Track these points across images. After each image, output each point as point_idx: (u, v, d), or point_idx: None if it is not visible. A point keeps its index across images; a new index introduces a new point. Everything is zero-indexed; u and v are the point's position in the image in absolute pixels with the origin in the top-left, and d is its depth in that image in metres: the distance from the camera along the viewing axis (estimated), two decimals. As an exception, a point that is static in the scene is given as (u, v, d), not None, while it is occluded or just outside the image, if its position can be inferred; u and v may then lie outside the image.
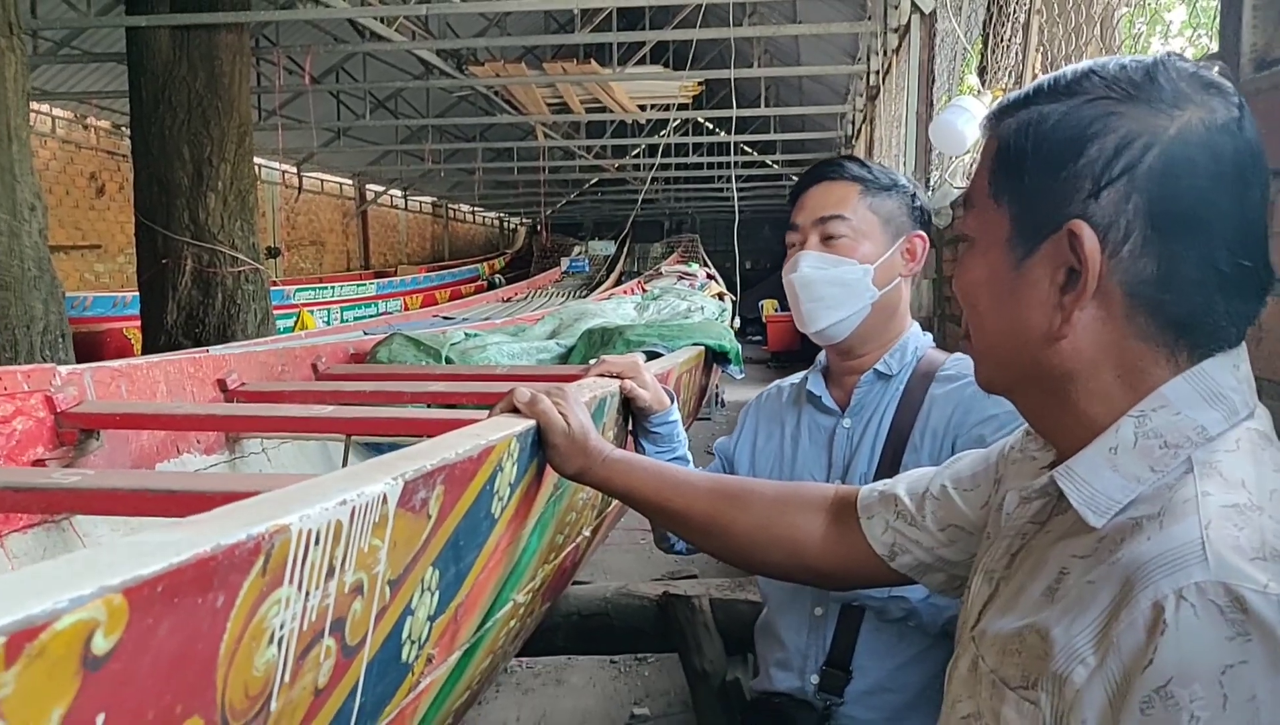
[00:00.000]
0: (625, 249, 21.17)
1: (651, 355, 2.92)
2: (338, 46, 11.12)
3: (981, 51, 4.15)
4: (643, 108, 12.67)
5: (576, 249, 22.50)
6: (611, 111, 12.38)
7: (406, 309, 13.09)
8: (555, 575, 1.67)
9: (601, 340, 3.31)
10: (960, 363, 1.54)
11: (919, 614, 1.43)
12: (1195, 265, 0.75)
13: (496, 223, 31.21)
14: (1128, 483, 0.76)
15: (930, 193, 4.51)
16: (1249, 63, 1.48)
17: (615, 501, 1.55)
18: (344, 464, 2.43)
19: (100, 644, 0.48)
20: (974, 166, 0.88)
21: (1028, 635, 0.75)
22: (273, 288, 7.49)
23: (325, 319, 11.46)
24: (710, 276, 11.58)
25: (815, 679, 1.50)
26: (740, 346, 3.52)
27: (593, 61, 10.41)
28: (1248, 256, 0.75)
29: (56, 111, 11.51)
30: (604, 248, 21.61)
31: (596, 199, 25.20)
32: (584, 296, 11.66)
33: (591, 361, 2.04)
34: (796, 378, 1.74)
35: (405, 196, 22.87)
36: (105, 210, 12.27)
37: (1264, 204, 0.77)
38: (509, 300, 13.33)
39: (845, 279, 1.53)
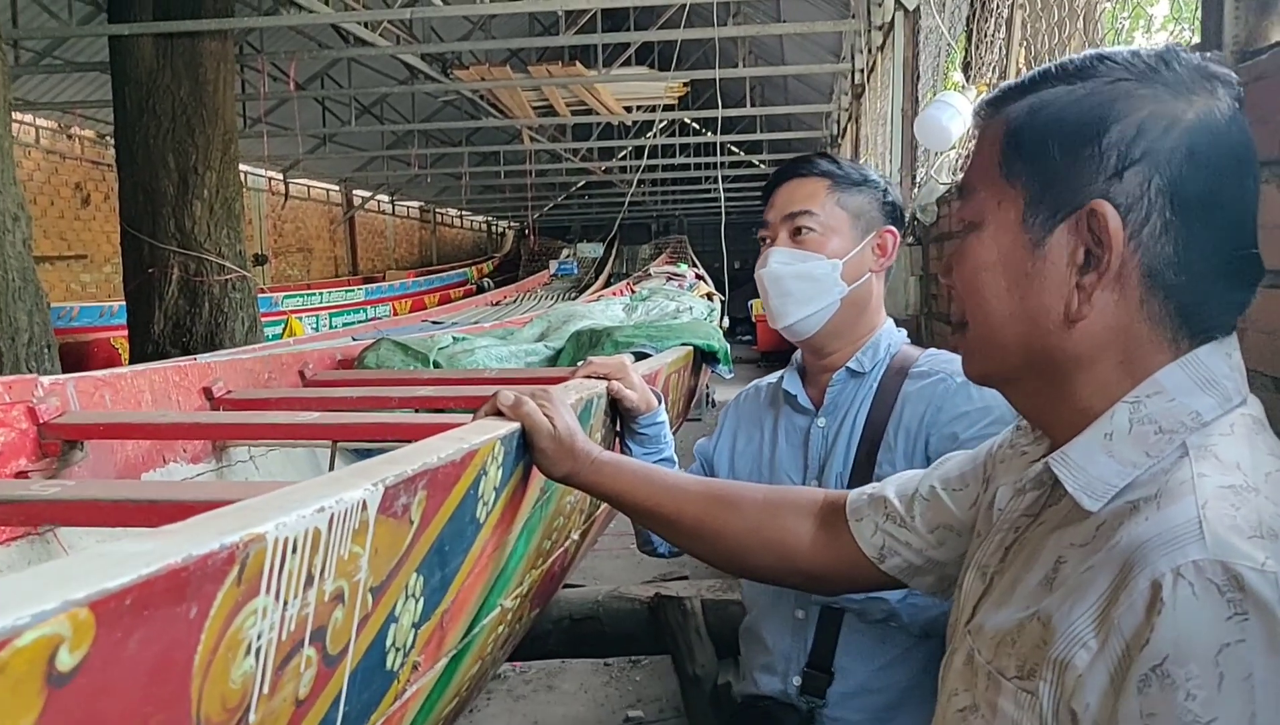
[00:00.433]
0: (614, 251, 21.16)
1: (640, 356, 2.91)
2: (322, 52, 11.07)
3: (965, 47, 4.15)
4: (628, 109, 12.66)
5: (565, 252, 22.47)
6: (597, 113, 12.37)
7: (395, 314, 13.04)
8: (544, 580, 1.66)
9: (590, 342, 3.29)
10: (933, 359, 1.54)
11: (899, 615, 1.42)
12: (1207, 250, 0.76)
13: (484, 227, 31.17)
14: (1123, 468, 0.76)
15: (916, 190, 4.51)
16: (1231, 54, 1.48)
17: (604, 504, 1.54)
18: (330, 470, 2.42)
19: (65, 660, 0.47)
20: (968, 156, 0.87)
21: (1027, 625, 0.75)
22: (260, 295, 7.46)
23: (314, 325, 11.42)
24: (699, 277, 11.56)
25: (797, 681, 1.50)
26: (729, 346, 3.51)
27: (578, 64, 10.40)
28: (1248, 244, 0.77)
29: (41, 122, 11.44)
30: (592, 250, 21.58)
31: (584, 202, 25.20)
32: (573, 299, 11.64)
33: (580, 363, 2.04)
34: (774, 377, 1.74)
35: (392, 202, 22.82)
36: (91, 220, 12.20)
37: (1256, 195, 0.78)
38: (498, 304, 13.29)
39: (813, 274, 1.53)
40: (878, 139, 7.33)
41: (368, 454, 2.59)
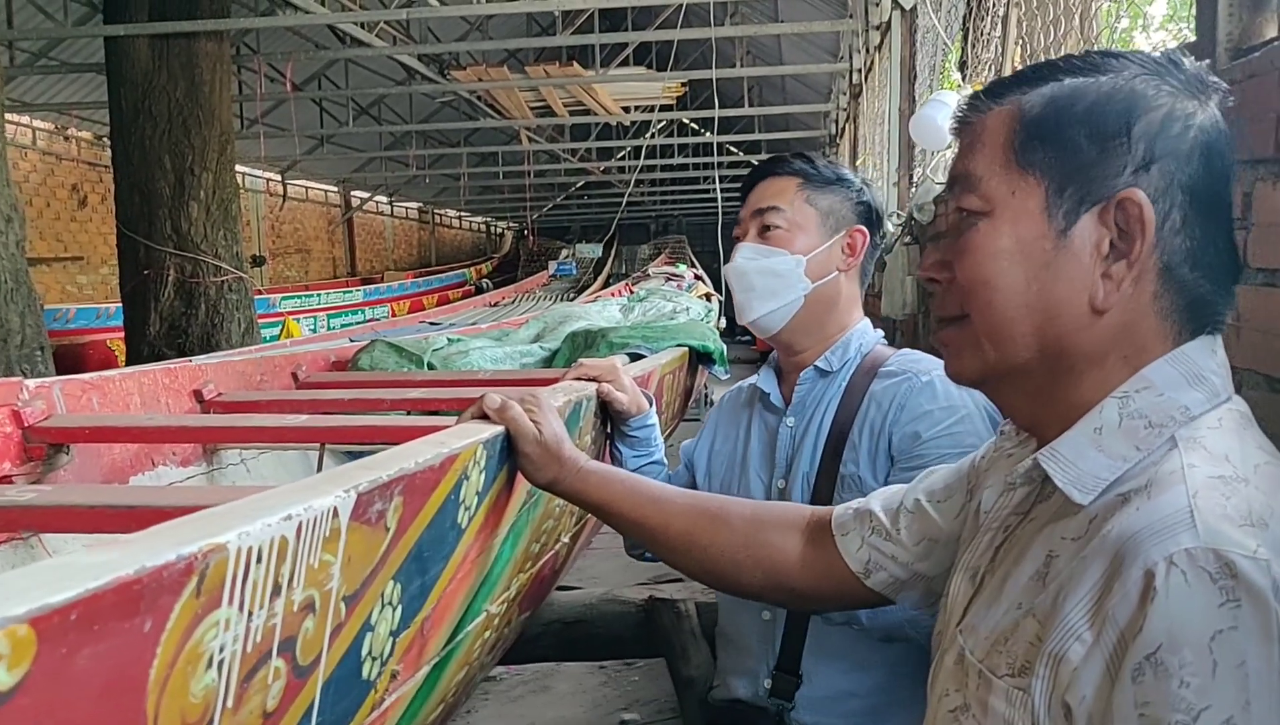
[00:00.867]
0: (613, 252, 21.13)
1: (635, 357, 2.90)
2: (319, 53, 11.06)
3: (961, 46, 4.13)
4: (626, 109, 12.65)
5: (564, 252, 22.47)
6: (595, 114, 12.36)
7: (394, 315, 13.01)
8: (533, 584, 1.64)
9: (585, 343, 3.28)
10: (903, 359, 1.52)
11: (858, 618, 1.41)
12: (1215, 247, 0.78)
13: (483, 227, 31.15)
14: (1113, 462, 0.76)
15: (913, 189, 4.49)
16: (1225, 52, 1.47)
17: (593, 509, 1.52)
18: (319, 473, 2.40)
19: (3, 679, 0.45)
20: (971, 144, 0.85)
21: (1021, 622, 0.75)
22: (257, 296, 7.44)
23: (311, 327, 11.39)
24: (698, 277, 11.55)
25: (768, 684, 1.49)
26: (725, 347, 3.49)
27: (575, 64, 10.38)
28: (1234, 245, 0.80)
29: (37, 123, 11.42)
30: (592, 251, 21.57)
31: (583, 202, 25.17)
32: (571, 300, 11.62)
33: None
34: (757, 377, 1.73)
35: (391, 203, 22.79)
36: (87, 222, 12.17)
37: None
38: (496, 305, 13.27)
39: (777, 269, 1.54)
40: (875, 139, 7.32)
41: (358, 456, 2.58)
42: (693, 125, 16.74)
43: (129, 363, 6.05)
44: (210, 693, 0.63)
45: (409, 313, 13.23)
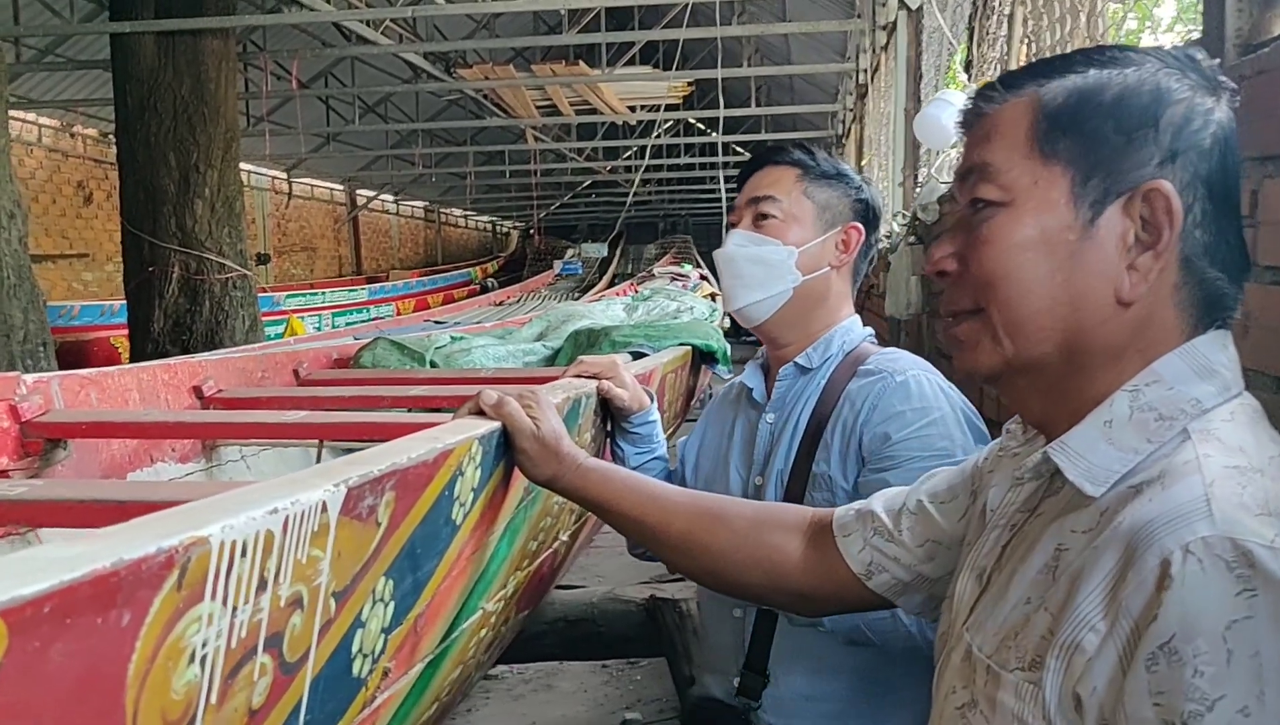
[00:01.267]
0: (618, 251, 21.11)
1: (638, 355, 2.89)
2: (325, 51, 11.06)
3: (967, 46, 4.11)
4: (632, 109, 12.64)
5: (570, 252, 22.48)
6: (601, 113, 12.35)
7: (399, 314, 13.02)
8: (531, 581, 1.63)
9: (588, 341, 3.27)
10: (882, 358, 1.49)
11: (821, 619, 1.37)
12: (1228, 242, 0.77)
13: (489, 227, 31.17)
14: (1124, 454, 0.75)
15: (918, 189, 4.47)
16: (1234, 48, 1.45)
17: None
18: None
19: (-29, 672, 0.44)
20: (987, 135, 0.84)
21: (1032, 615, 0.74)
22: (261, 294, 7.45)
23: (316, 325, 11.39)
24: (703, 277, 11.53)
25: (736, 682, 1.47)
26: (729, 346, 3.48)
27: (581, 63, 10.37)
28: (1244, 241, 0.79)
29: (43, 120, 11.44)
30: (597, 250, 21.57)
31: (590, 202, 25.18)
32: (577, 299, 11.61)
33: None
34: None
35: (397, 201, 22.81)
36: (93, 218, 12.19)
37: None
38: (501, 304, 13.26)
39: (767, 259, 1.50)
40: (881, 138, 7.30)
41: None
42: (700, 125, 16.72)
43: (133, 360, 6.05)
44: (193, 688, 0.62)
45: (414, 311, 13.25)
